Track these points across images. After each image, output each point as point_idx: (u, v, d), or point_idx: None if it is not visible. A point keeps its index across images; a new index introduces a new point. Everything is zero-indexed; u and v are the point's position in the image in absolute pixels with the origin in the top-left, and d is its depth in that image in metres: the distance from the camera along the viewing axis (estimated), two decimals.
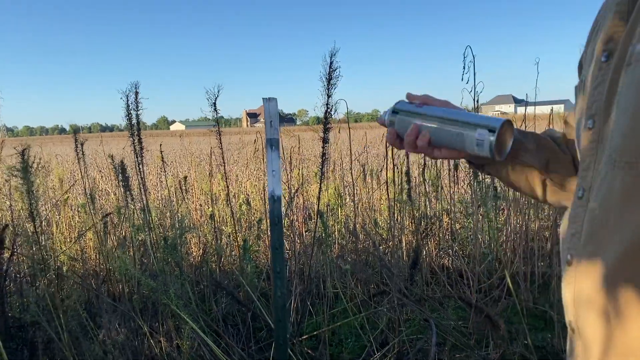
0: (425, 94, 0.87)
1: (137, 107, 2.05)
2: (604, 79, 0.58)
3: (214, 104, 2.34)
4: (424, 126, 0.81)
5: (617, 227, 0.50)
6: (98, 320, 2.27)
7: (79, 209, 3.87)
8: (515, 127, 0.80)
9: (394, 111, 0.85)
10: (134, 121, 2.10)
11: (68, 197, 4.19)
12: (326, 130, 2.29)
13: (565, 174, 0.81)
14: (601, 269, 0.51)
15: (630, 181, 0.49)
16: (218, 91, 2.32)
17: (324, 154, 2.44)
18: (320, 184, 2.58)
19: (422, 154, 0.86)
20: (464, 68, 2.35)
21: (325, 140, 2.34)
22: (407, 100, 0.87)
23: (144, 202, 2.49)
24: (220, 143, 2.45)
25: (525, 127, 3.41)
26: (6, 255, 2.36)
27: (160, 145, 3.27)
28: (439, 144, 0.81)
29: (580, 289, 0.55)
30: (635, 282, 0.48)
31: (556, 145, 0.84)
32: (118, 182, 2.73)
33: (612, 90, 0.56)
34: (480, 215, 3.16)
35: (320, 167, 2.50)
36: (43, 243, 2.80)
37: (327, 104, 2.27)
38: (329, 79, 2.26)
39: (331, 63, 2.21)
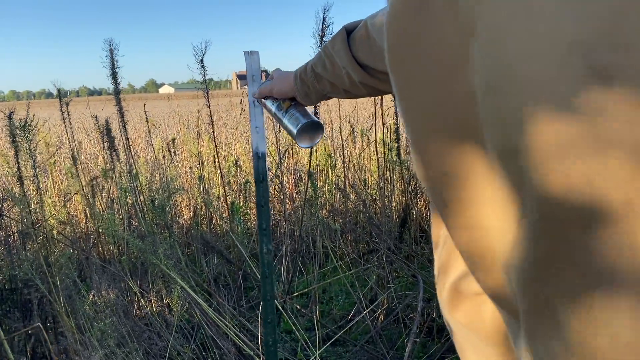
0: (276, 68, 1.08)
1: (113, 65, 1.99)
2: None
3: (201, 60, 2.28)
4: (268, 110, 1.09)
5: None
6: (88, 282, 2.28)
7: (67, 173, 3.84)
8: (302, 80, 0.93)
9: (253, 92, 1.14)
10: (113, 82, 2.05)
11: (55, 160, 4.14)
12: None
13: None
14: None
15: None
16: (206, 47, 2.25)
17: (315, 113, 2.42)
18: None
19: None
20: None
21: None
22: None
23: (130, 163, 2.47)
24: (208, 101, 2.40)
25: None
26: None
27: (144, 105, 3.22)
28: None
29: None
30: None
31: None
32: (103, 145, 2.70)
33: None
34: None
35: None
36: (32, 207, 2.79)
37: None
38: (322, 36, 2.21)
39: (324, 19, 2.16)
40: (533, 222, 0.28)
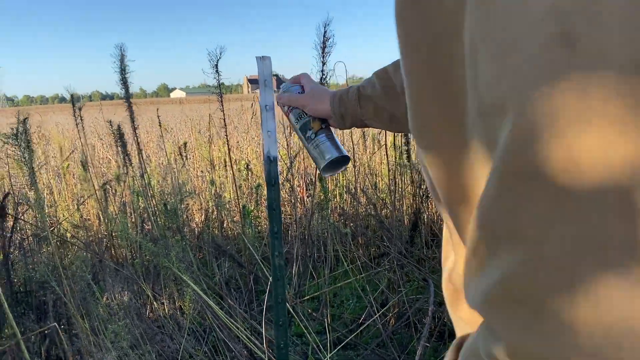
0: (303, 72, 1.02)
1: (123, 71, 2.02)
2: None
3: (216, 66, 2.32)
4: (291, 121, 1.01)
5: None
6: (102, 284, 2.30)
7: (79, 177, 3.89)
8: (352, 92, 0.89)
9: (282, 97, 1.03)
10: (122, 87, 2.08)
11: (68, 165, 4.19)
12: None
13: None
14: None
15: None
16: (220, 53, 2.30)
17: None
18: None
19: None
20: None
21: None
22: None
23: (143, 167, 2.50)
24: (222, 106, 2.43)
25: None
26: (9, 223, 2.38)
27: (157, 109, 3.25)
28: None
29: None
30: None
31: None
32: (117, 149, 2.73)
33: None
34: None
35: None
36: (46, 210, 2.83)
37: (322, 71, 2.34)
38: (323, 47, 2.32)
39: (325, 32, 2.28)
40: (498, 170, 0.29)
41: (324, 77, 2.41)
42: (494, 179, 0.29)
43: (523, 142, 0.27)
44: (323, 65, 2.38)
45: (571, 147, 0.26)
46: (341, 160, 0.92)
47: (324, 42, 2.32)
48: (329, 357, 1.76)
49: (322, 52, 2.35)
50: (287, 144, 4.03)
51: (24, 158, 1.72)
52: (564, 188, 0.26)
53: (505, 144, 0.28)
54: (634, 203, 0.25)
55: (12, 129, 1.72)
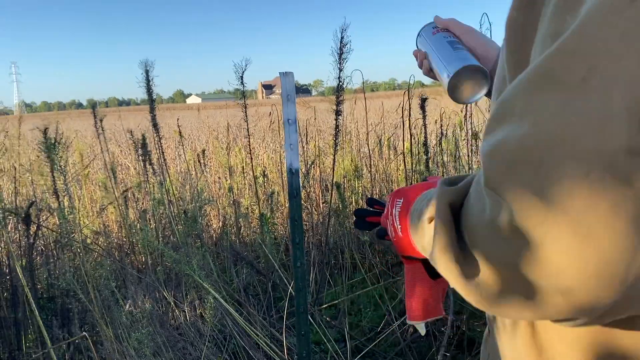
0: (452, 18, 0.86)
1: (147, 83, 2.07)
2: None
3: (241, 77, 2.36)
4: (428, 54, 0.84)
5: None
6: (123, 291, 2.34)
7: (100, 184, 3.94)
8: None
9: (418, 34, 0.89)
10: (148, 99, 2.14)
11: (89, 172, 4.26)
12: (338, 102, 2.35)
13: None
14: None
15: None
16: (246, 65, 2.34)
17: (337, 126, 2.48)
18: (335, 155, 2.60)
19: None
20: None
21: (337, 113, 2.40)
22: (433, 23, 0.88)
23: (164, 176, 2.53)
24: (246, 115, 2.47)
25: None
26: (32, 229, 2.43)
27: (178, 119, 3.29)
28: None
29: None
30: None
31: None
32: (137, 157, 2.77)
33: None
34: None
35: (334, 138, 2.53)
36: (68, 217, 2.88)
37: (338, 77, 2.34)
38: (340, 54, 2.32)
39: (342, 38, 2.29)
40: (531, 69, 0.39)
41: (340, 83, 2.40)
42: (524, 73, 0.39)
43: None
44: (340, 71, 2.38)
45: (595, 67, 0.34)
46: (476, 74, 0.75)
47: (340, 49, 2.31)
48: None
49: (339, 59, 2.35)
50: (304, 151, 4.06)
51: (60, 167, 1.76)
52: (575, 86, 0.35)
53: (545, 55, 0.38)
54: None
55: (45, 140, 1.76)
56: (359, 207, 3.70)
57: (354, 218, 0.87)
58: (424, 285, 0.74)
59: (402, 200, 0.67)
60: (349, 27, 2.24)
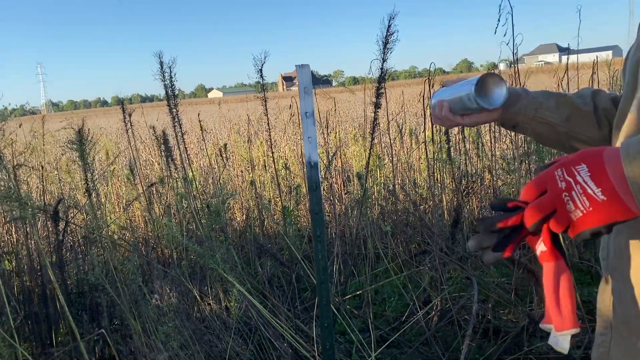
0: (458, 77, 1.04)
1: (164, 77, 2.09)
2: None
3: (261, 70, 2.35)
4: (444, 101, 1.00)
5: None
6: (150, 285, 2.38)
7: (125, 180, 4.01)
8: (520, 85, 0.91)
9: (432, 98, 1.07)
10: (171, 96, 2.15)
11: (114, 168, 4.34)
12: (379, 95, 2.27)
13: (585, 125, 0.93)
14: None
15: None
16: (265, 57, 2.32)
17: (375, 119, 2.39)
18: (371, 149, 2.56)
19: (456, 125, 1.05)
20: (498, 20, 2.26)
21: (377, 105, 2.30)
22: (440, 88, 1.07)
23: (187, 171, 2.56)
24: (266, 108, 2.47)
25: (568, 76, 3.29)
26: (61, 226, 2.49)
27: (199, 114, 3.32)
28: (458, 112, 0.98)
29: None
30: None
31: (580, 100, 0.95)
32: (160, 152, 2.81)
33: None
34: (523, 171, 3.09)
35: (371, 132, 2.47)
36: (95, 214, 2.94)
37: (381, 68, 2.23)
38: (385, 43, 2.20)
39: (389, 26, 2.14)
40: None
41: (383, 74, 2.28)
42: None
43: None
44: (383, 62, 2.25)
45: None
46: (491, 83, 0.93)
47: (386, 37, 2.18)
48: (374, 357, 1.78)
49: (384, 49, 2.21)
50: (325, 142, 4.05)
51: (89, 164, 1.80)
52: None
53: None
54: None
55: (80, 139, 1.80)
56: (381, 197, 3.69)
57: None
58: (570, 286, 0.67)
59: (584, 165, 0.60)
60: (397, 15, 2.11)
